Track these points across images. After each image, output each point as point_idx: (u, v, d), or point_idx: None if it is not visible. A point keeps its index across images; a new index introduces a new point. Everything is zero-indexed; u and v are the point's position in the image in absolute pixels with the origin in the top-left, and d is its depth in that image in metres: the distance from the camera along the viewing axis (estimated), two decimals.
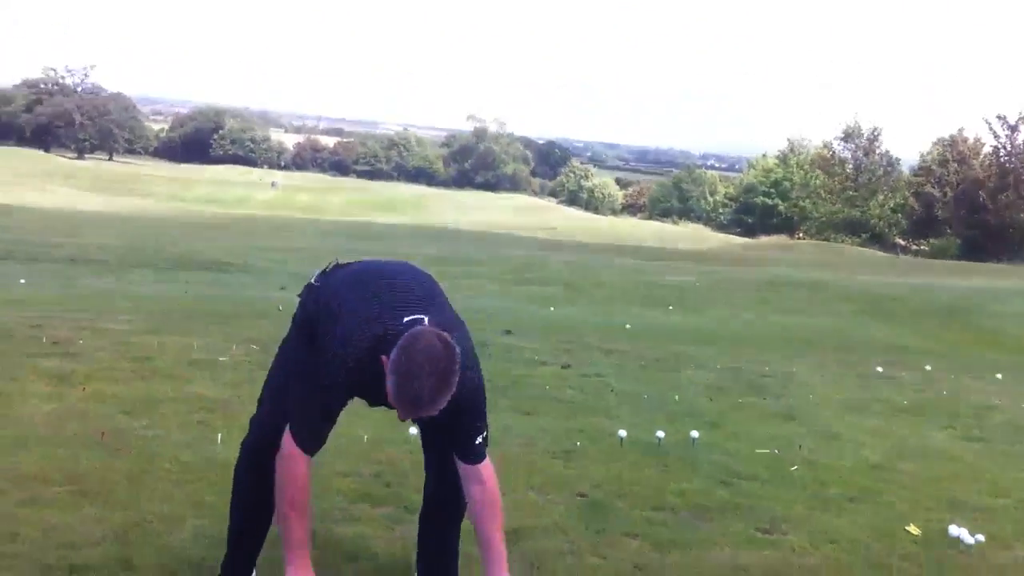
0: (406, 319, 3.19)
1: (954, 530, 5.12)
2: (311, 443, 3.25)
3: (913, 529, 5.16)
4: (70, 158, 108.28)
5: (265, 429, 3.46)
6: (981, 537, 5.02)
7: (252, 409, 3.72)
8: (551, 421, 6.84)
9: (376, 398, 3.26)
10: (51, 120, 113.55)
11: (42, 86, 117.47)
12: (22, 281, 14.24)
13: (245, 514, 3.62)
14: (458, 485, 3.46)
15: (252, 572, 3.65)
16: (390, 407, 3.19)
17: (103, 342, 8.24)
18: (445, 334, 3.10)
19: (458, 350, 3.09)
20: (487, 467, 3.36)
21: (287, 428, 3.24)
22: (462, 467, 3.35)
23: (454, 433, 3.34)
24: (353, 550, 4.17)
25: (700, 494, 5.44)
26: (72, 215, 35.96)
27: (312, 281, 3.58)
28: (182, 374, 7.29)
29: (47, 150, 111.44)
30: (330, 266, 3.63)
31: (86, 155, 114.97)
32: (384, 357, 3.09)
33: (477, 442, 3.33)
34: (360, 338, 3.18)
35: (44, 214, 35.72)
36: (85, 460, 5.03)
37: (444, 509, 3.72)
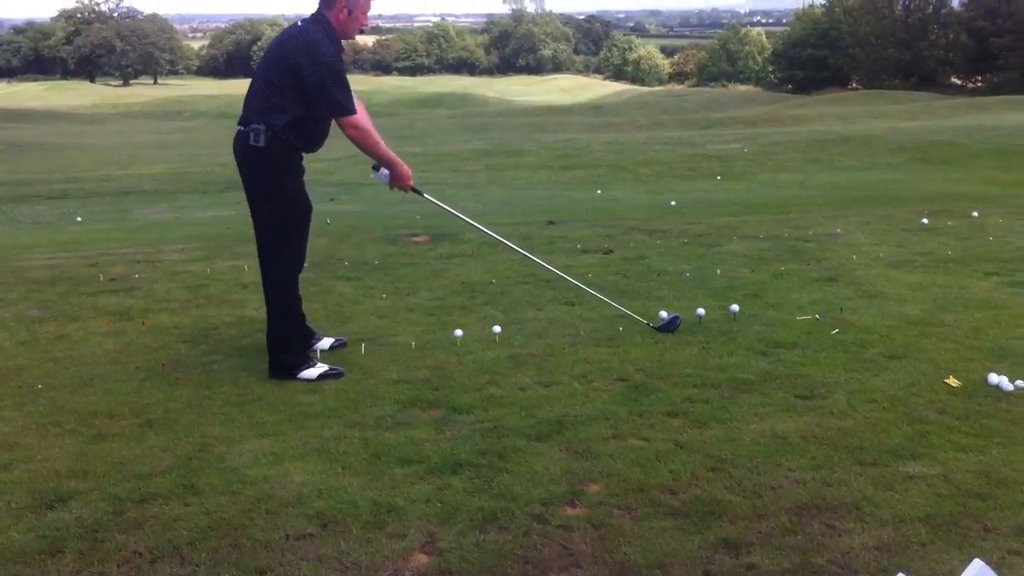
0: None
1: (993, 378, 5.19)
2: None
3: (952, 381, 5.23)
4: (116, 86, 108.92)
5: None
6: (1022, 383, 5.10)
7: None
8: (594, 309, 6.95)
9: None
10: (93, 50, 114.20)
11: (79, 16, 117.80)
12: (79, 219, 14.59)
13: None
14: None
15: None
16: None
17: (157, 274, 8.52)
18: None
19: None
20: (353, 124, 5.35)
21: None
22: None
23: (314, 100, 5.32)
24: (405, 455, 4.35)
25: (740, 368, 5.56)
26: (124, 146, 36.27)
27: None
28: (235, 298, 7.54)
29: (92, 80, 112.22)
30: None
31: (131, 81, 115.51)
32: None
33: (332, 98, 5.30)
34: None
35: (97, 148, 36.11)
36: (148, 392, 5.31)
37: None
